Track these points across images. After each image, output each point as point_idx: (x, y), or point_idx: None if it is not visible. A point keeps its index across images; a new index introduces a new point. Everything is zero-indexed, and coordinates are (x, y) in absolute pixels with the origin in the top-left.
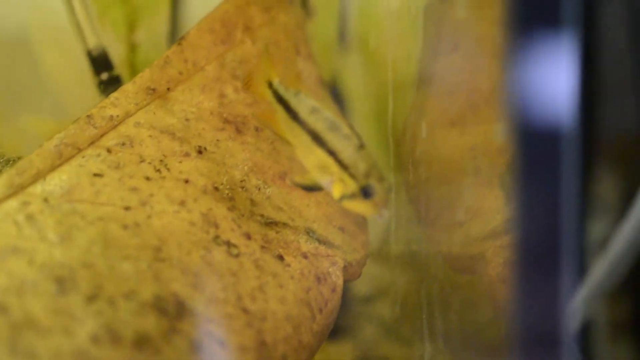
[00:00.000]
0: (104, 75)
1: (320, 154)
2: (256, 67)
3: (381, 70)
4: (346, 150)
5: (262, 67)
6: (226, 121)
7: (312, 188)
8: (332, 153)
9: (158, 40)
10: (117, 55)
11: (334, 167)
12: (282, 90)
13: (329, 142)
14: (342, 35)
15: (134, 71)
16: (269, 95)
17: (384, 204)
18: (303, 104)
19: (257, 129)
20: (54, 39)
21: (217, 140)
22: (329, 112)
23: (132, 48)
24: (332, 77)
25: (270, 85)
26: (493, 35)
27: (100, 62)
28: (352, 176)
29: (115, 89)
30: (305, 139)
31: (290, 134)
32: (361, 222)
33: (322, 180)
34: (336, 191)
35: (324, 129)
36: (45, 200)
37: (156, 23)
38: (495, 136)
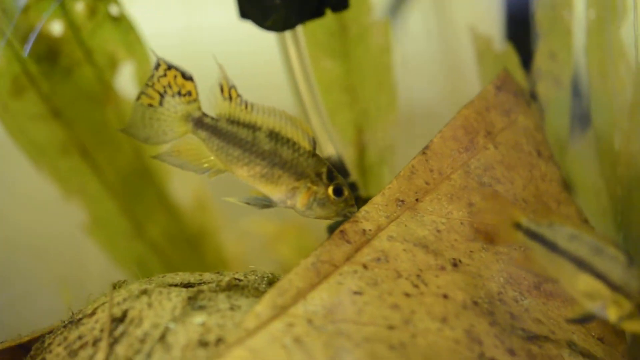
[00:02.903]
0: None
1: (587, 280)
2: (496, 219)
3: (613, 164)
4: (615, 271)
5: (504, 214)
6: (477, 231)
7: (586, 319)
8: (600, 276)
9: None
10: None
11: (604, 290)
12: (534, 227)
13: (596, 265)
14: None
15: (364, 175)
16: (520, 237)
17: None
18: (560, 234)
19: None
20: None
21: (471, 251)
22: (588, 234)
23: (361, 151)
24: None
25: (518, 226)
26: None
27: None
28: (627, 295)
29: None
30: (569, 267)
31: (552, 266)
32: (620, 331)
33: (594, 306)
34: (612, 314)
35: (588, 254)
36: (310, 321)
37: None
38: None
